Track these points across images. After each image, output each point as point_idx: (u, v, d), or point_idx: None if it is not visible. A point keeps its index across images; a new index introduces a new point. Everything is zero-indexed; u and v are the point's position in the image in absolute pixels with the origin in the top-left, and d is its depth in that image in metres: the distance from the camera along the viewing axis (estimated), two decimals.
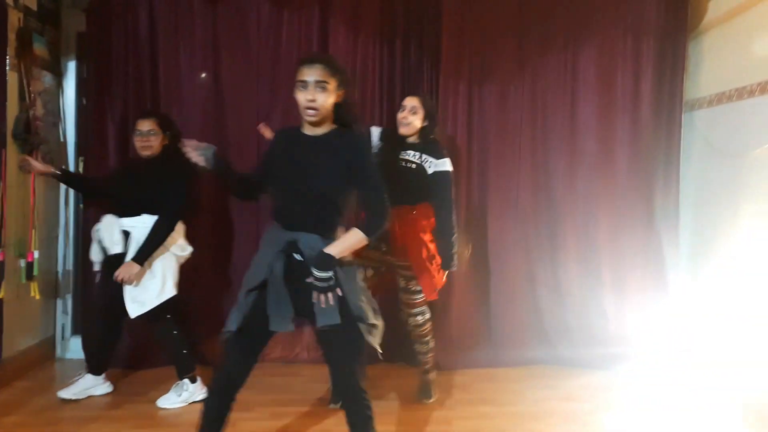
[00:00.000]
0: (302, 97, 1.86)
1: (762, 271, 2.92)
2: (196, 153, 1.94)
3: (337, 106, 1.94)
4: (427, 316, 2.91)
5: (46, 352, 3.52)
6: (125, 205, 2.90)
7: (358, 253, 2.66)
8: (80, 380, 2.98)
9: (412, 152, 2.81)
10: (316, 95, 1.84)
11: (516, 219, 3.57)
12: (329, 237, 1.90)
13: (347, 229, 1.93)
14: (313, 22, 3.48)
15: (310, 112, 1.87)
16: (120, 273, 2.76)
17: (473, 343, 3.53)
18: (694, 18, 3.51)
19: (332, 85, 1.87)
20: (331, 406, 2.91)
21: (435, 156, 2.79)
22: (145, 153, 2.89)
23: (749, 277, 3.01)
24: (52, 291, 3.51)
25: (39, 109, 3.34)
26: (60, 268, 3.58)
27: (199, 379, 2.96)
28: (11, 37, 3.15)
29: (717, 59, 3.42)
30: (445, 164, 2.80)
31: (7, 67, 3.11)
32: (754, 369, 2.95)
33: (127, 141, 3.38)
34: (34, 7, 3.34)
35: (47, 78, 3.45)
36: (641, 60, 3.51)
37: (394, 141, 2.85)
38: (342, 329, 1.85)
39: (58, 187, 3.57)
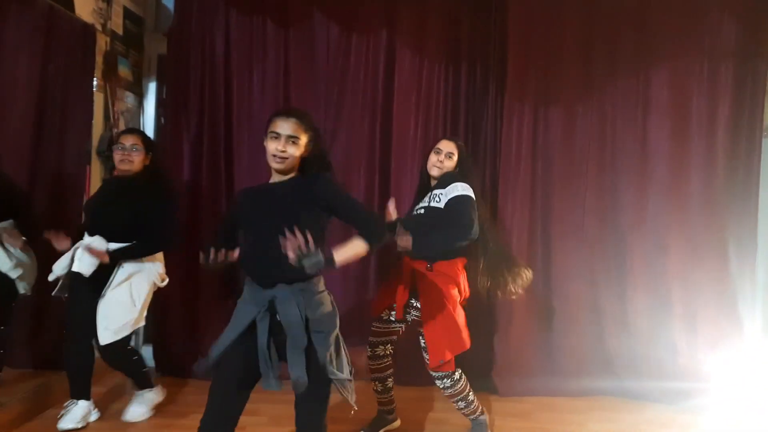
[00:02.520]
0: (272, 145, 1.92)
1: None
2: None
3: (305, 160, 1.99)
4: (457, 375, 2.64)
5: None
6: (112, 229, 2.69)
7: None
8: (74, 408, 2.81)
9: (431, 194, 2.67)
10: (287, 147, 1.91)
11: (581, 246, 3.48)
12: (304, 282, 1.88)
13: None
14: (380, 45, 3.54)
15: (278, 160, 1.92)
16: (92, 249, 2.61)
17: (533, 371, 3.46)
18: None
19: (303, 140, 1.94)
20: None
21: (443, 186, 2.63)
22: (124, 167, 2.71)
23: None
24: None
25: (121, 128, 3.52)
26: None
27: (157, 385, 3.01)
28: (99, 59, 3.35)
29: None
30: (456, 189, 2.59)
31: (95, 88, 3.31)
32: None
33: (201, 158, 3.54)
34: (119, 31, 3.55)
35: (129, 98, 3.65)
36: (718, 84, 3.38)
37: (424, 190, 2.75)
38: (310, 384, 1.83)
39: None
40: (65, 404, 2.80)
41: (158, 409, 3.07)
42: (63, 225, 3.10)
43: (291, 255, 1.73)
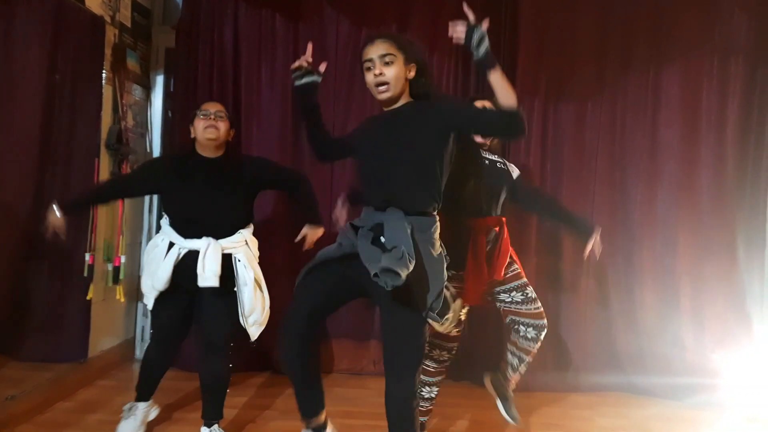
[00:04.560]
0: (370, 75, 1.81)
1: None
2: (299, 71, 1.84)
3: (412, 82, 1.87)
4: None
5: (126, 353, 3.68)
6: (229, 224, 2.46)
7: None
8: (135, 411, 2.63)
9: (495, 156, 2.58)
10: (383, 69, 1.79)
11: None
12: (424, 214, 1.80)
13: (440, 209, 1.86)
14: None
15: (381, 88, 1.80)
16: (311, 236, 2.55)
17: (542, 366, 3.46)
18: None
19: (399, 59, 1.81)
20: None
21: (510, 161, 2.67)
22: (210, 135, 2.40)
23: None
24: (134, 294, 3.67)
25: (130, 121, 3.51)
26: (142, 272, 3.74)
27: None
28: (107, 52, 3.33)
29: None
30: (516, 170, 2.65)
31: (103, 81, 3.29)
32: None
33: None
34: (128, 23, 3.53)
35: (137, 91, 3.64)
36: (728, 81, 3.38)
37: (472, 148, 2.50)
38: (409, 323, 1.77)
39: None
40: (124, 407, 2.63)
41: (166, 404, 3.06)
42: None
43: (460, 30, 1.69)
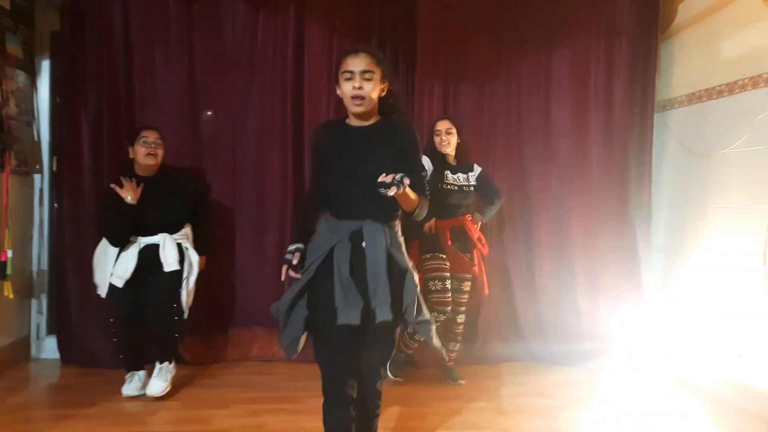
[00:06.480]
0: (348, 86, 1.84)
1: (731, 266, 3.00)
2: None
3: (381, 100, 1.92)
4: None
5: (20, 352, 3.49)
6: (172, 224, 3.05)
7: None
8: (136, 377, 3.04)
9: (461, 175, 3.26)
10: (363, 84, 1.83)
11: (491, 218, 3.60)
12: (389, 225, 1.90)
13: (402, 219, 1.97)
14: (288, 22, 3.48)
15: (357, 101, 1.84)
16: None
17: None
18: (665, 20, 3.57)
19: (377, 75, 1.86)
20: None
21: (468, 170, 3.30)
22: (150, 162, 2.99)
23: (720, 273, 3.08)
24: (26, 290, 3.49)
25: (12, 108, 3.31)
26: (35, 268, 3.56)
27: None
28: None
29: (687, 60, 3.48)
30: (478, 168, 3.34)
31: None
32: (726, 364, 3.02)
33: (101, 140, 3.39)
34: (7, 5, 3.31)
35: (21, 77, 3.43)
36: (614, 61, 3.58)
37: (441, 165, 3.22)
38: (386, 329, 1.87)
39: (32, 186, 3.55)
40: (126, 375, 3.01)
41: (61, 399, 2.98)
42: None
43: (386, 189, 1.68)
